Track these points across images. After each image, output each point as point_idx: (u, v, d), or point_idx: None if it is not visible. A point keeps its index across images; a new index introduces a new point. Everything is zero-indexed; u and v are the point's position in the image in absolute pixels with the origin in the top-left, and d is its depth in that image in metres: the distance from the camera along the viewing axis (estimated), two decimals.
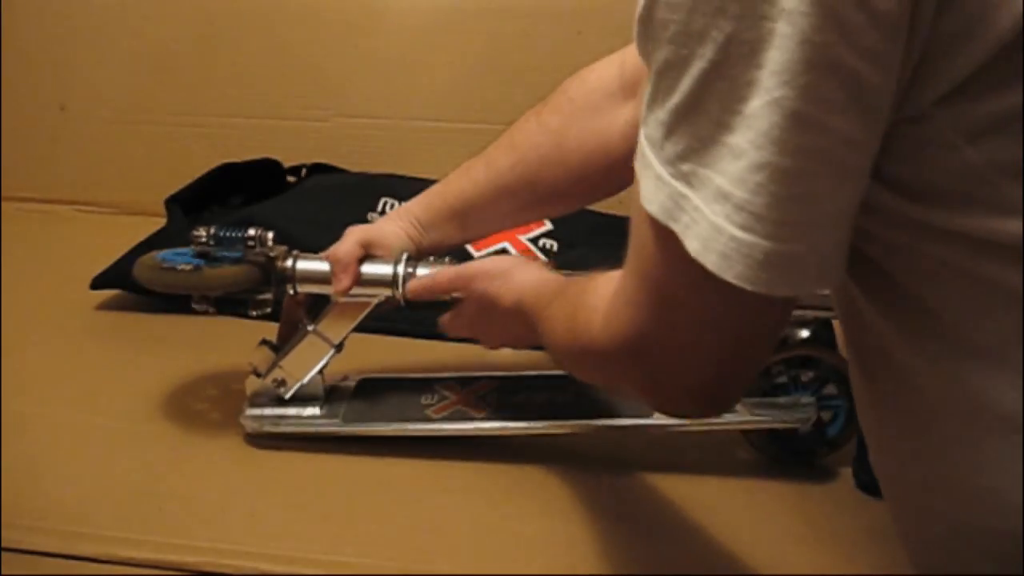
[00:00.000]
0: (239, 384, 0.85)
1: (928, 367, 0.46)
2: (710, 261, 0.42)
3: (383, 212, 1.14)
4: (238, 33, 1.38)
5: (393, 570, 0.69)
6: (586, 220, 1.18)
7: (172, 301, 0.86)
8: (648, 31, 0.43)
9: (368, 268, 0.82)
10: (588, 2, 1.31)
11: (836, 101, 0.40)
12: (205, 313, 0.82)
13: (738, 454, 0.82)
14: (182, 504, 0.75)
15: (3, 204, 1.40)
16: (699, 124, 0.42)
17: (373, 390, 0.87)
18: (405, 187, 1.18)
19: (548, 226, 1.15)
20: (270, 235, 0.82)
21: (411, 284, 0.81)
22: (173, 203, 1.18)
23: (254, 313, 0.83)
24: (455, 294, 0.80)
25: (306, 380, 0.83)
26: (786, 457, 0.81)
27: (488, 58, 1.34)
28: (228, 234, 0.81)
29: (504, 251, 1.11)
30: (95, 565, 0.68)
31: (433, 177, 1.20)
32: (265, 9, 1.38)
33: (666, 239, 0.44)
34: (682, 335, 0.48)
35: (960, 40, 0.39)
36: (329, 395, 0.85)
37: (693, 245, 0.42)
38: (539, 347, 0.70)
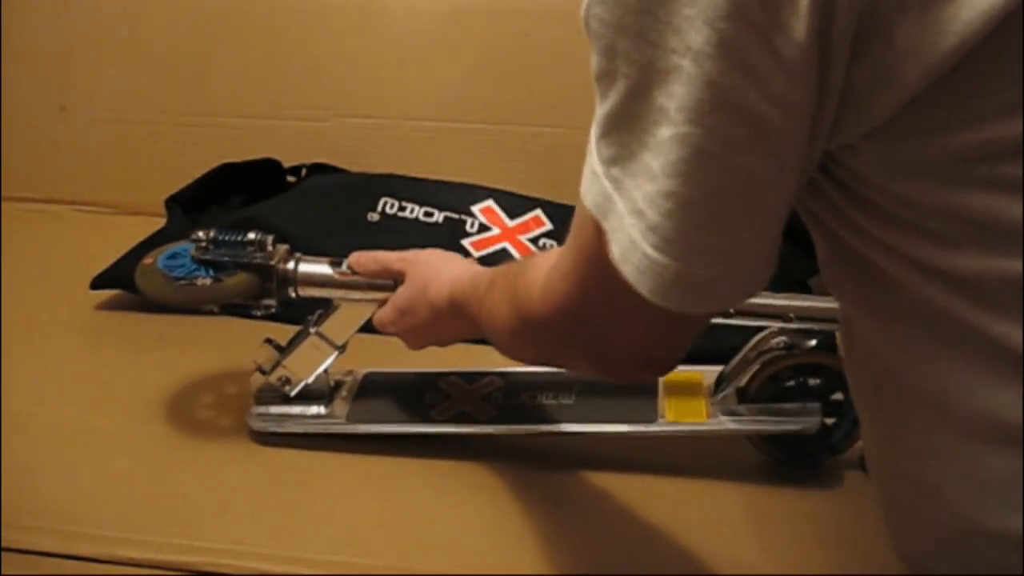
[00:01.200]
0: (240, 384, 0.85)
1: (904, 367, 0.46)
2: (626, 271, 0.43)
3: (383, 212, 1.14)
4: (238, 33, 1.38)
5: (392, 570, 0.69)
6: None
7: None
8: (588, 33, 0.44)
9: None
10: None
11: (743, 141, 0.40)
12: (211, 313, 0.82)
13: (743, 457, 0.82)
14: (183, 504, 0.75)
15: (3, 204, 1.39)
16: (624, 137, 0.43)
17: (377, 387, 0.87)
18: (405, 187, 1.18)
19: (548, 226, 1.16)
20: (270, 238, 0.82)
21: (357, 256, 0.81)
22: (173, 203, 1.18)
23: (258, 314, 0.83)
24: (396, 269, 0.79)
25: (311, 380, 0.83)
26: (789, 460, 0.81)
27: (488, 58, 1.34)
28: (229, 238, 0.81)
29: (504, 251, 1.11)
30: (95, 565, 0.68)
31: (433, 177, 1.21)
32: (265, 9, 1.38)
33: (599, 229, 0.45)
34: (615, 308, 0.49)
35: (875, 87, 0.39)
36: (334, 392, 0.85)
37: (615, 250, 0.44)
38: (468, 340, 0.73)
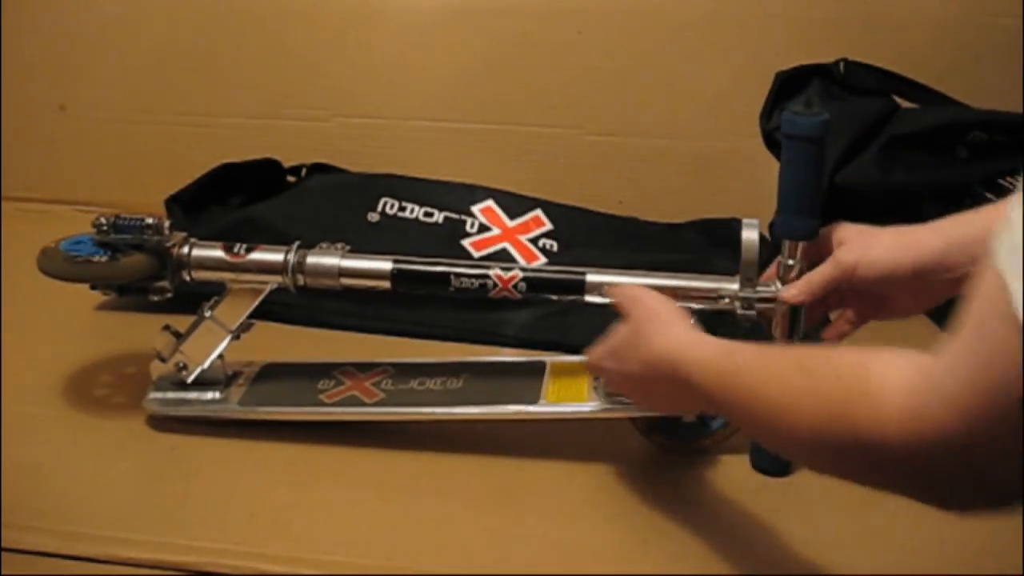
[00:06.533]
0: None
1: None
2: None
3: (383, 212, 1.14)
4: (238, 33, 1.38)
5: (405, 571, 0.69)
6: (586, 220, 1.18)
7: (172, 301, 0.86)
8: None
9: (260, 256, 0.84)
10: (588, 2, 1.31)
11: None
12: (106, 296, 0.88)
13: (628, 442, 0.84)
14: (183, 504, 0.75)
15: (3, 204, 1.40)
16: None
17: (274, 375, 0.90)
18: (405, 187, 1.18)
19: (548, 226, 1.15)
20: (167, 223, 0.83)
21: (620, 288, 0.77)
22: (173, 203, 1.18)
23: (155, 298, 0.85)
24: (620, 304, 0.74)
25: (207, 365, 0.85)
26: (671, 446, 0.83)
27: (488, 58, 1.34)
28: (128, 222, 0.83)
29: (504, 252, 1.11)
30: (95, 565, 0.68)
31: (433, 177, 1.21)
32: (265, 9, 1.37)
33: None
34: (1012, 445, 0.41)
35: None
36: (231, 380, 0.88)
37: None
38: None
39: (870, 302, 0.77)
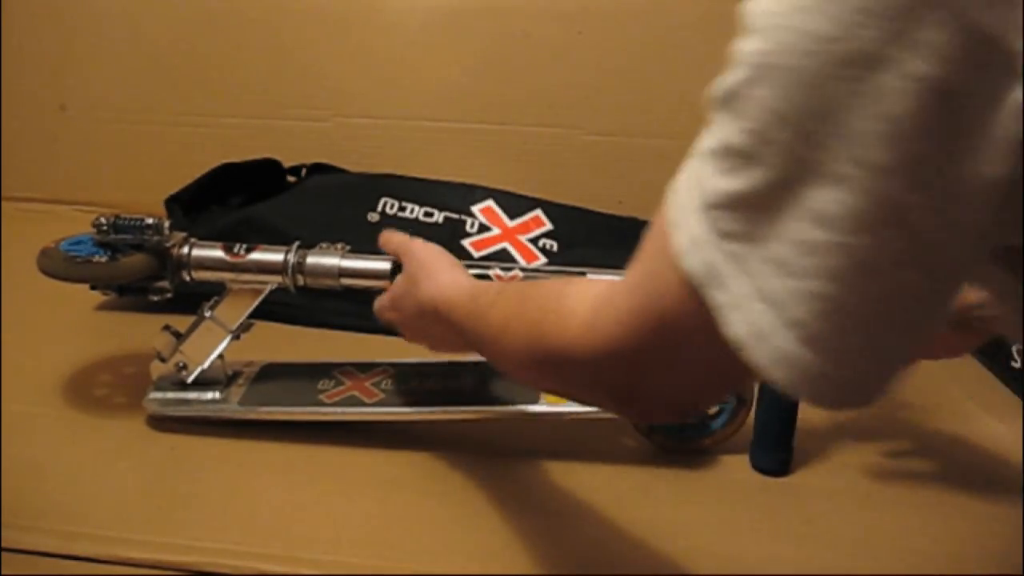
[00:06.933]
0: None
1: None
2: (757, 357, 0.41)
3: (383, 212, 1.15)
4: (238, 33, 1.38)
5: (404, 571, 0.69)
6: (586, 220, 1.18)
7: (172, 301, 0.86)
8: (729, 104, 0.41)
9: (260, 256, 0.84)
10: (588, 2, 1.31)
11: (908, 257, 0.39)
12: (106, 296, 0.88)
13: (628, 442, 0.84)
14: (183, 504, 0.75)
15: (3, 204, 1.40)
16: (757, 221, 0.40)
17: (274, 375, 0.90)
18: (405, 187, 1.18)
19: (548, 226, 1.16)
20: (167, 223, 0.83)
21: (389, 233, 0.83)
22: (173, 203, 1.18)
23: (155, 298, 0.85)
24: (398, 256, 0.80)
25: (207, 365, 0.86)
26: (671, 446, 0.83)
27: (488, 58, 1.34)
28: (128, 222, 0.83)
29: (504, 252, 1.11)
30: (95, 565, 0.68)
31: (433, 177, 1.21)
32: (265, 9, 1.38)
33: (693, 294, 0.42)
34: (674, 363, 0.47)
35: None
36: (231, 380, 0.88)
37: (738, 330, 0.41)
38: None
39: None
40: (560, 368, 0.54)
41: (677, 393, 0.50)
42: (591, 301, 0.51)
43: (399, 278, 0.79)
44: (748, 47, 0.40)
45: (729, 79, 0.41)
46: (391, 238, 0.82)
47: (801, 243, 0.39)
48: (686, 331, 0.44)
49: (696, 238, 0.42)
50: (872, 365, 0.42)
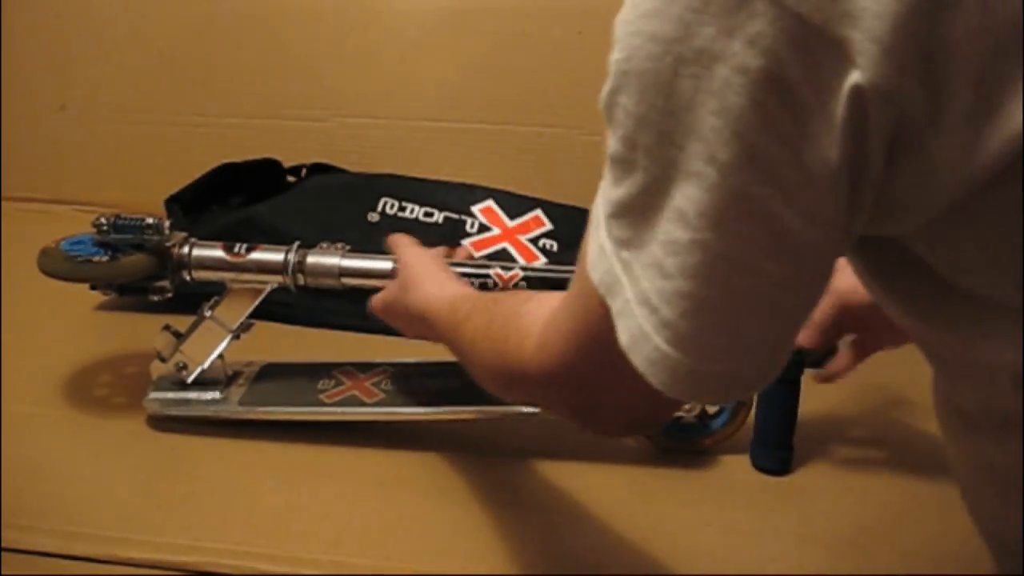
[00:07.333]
0: None
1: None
2: (636, 360, 0.42)
3: (383, 212, 1.15)
4: (238, 33, 1.38)
5: (406, 571, 0.69)
6: (586, 220, 1.18)
7: (172, 301, 0.87)
8: (608, 115, 0.42)
9: (260, 255, 0.84)
10: (588, 2, 1.30)
11: (765, 249, 0.39)
12: (106, 296, 0.88)
13: (628, 442, 0.84)
14: (183, 504, 0.75)
15: (3, 204, 1.40)
16: (639, 225, 0.42)
17: (274, 375, 0.90)
18: (405, 187, 1.18)
19: (548, 226, 1.16)
20: (167, 223, 0.83)
21: (397, 237, 0.84)
22: (173, 203, 1.18)
23: (155, 298, 0.86)
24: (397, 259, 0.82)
25: (207, 365, 0.86)
26: (672, 446, 0.83)
27: (488, 58, 1.34)
28: (128, 222, 0.83)
29: (504, 252, 1.11)
30: (95, 565, 0.68)
31: (433, 177, 1.21)
32: (265, 9, 1.38)
33: (604, 305, 0.44)
34: (611, 378, 0.47)
35: (913, 195, 0.38)
36: (231, 380, 0.88)
37: (623, 336, 0.43)
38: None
39: (872, 331, 0.78)
40: (522, 384, 0.55)
41: (629, 409, 0.51)
42: (543, 320, 0.52)
43: (391, 283, 0.80)
44: (612, 57, 0.40)
45: (603, 90, 0.42)
46: (396, 241, 0.84)
47: (669, 243, 0.40)
48: (609, 343, 0.44)
49: (601, 248, 0.44)
50: (745, 357, 0.43)
